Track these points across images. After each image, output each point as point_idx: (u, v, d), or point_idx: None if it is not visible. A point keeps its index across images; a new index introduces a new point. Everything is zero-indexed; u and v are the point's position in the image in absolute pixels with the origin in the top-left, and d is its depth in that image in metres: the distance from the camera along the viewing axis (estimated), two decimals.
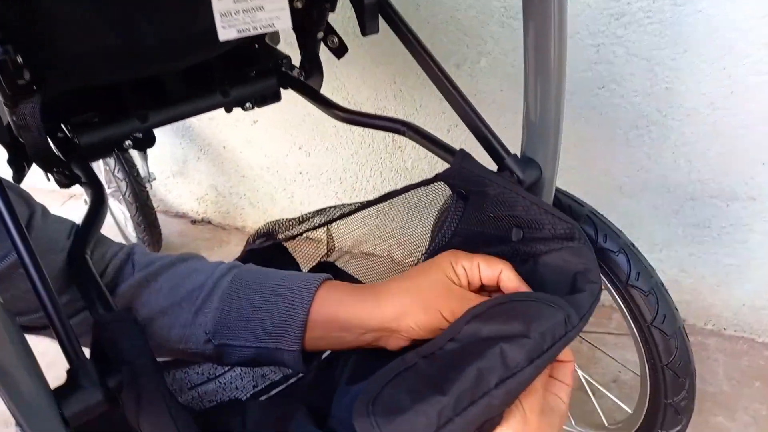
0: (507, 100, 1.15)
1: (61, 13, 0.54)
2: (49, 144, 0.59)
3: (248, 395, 0.71)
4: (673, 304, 0.73)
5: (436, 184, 0.69)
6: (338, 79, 1.29)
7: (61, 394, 0.41)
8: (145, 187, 1.42)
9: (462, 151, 0.65)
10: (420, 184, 0.69)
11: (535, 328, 0.44)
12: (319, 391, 0.62)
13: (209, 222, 1.77)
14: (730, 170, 1.05)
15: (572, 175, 1.19)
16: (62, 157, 0.68)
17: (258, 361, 0.50)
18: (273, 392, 0.71)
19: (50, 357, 0.47)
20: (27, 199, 0.49)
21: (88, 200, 0.62)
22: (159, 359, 0.67)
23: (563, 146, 1.15)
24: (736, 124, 1.01)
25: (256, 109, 1.22)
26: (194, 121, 1.57)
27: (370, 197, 1.46)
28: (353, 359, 0.57)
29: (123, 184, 1.37)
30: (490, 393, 0.42)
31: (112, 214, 1.67)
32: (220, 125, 1.53)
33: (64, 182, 0.64)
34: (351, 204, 0.74)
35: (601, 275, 0.75)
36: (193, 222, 1.78)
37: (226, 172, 1.62)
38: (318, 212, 0.75)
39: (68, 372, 0.42)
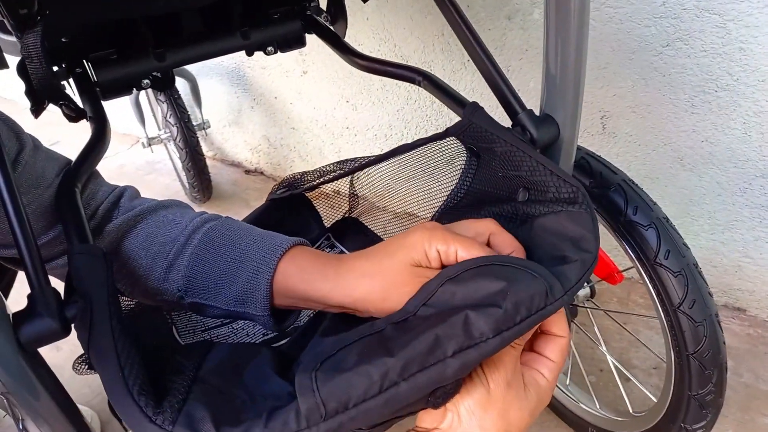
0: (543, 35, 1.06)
1: None
2: (52, 75, 0.60)
3: (257, 342, 0.72)
4: (706, 288, 0.65)
5: (448, 138, 0.65)
6: (386, 29, 1.24)
7: (18, 319, 0.41)
8: (196, 134, 1.44)
9: (473, 104, 0.60)
10: (431, 139, 0.65)
11: (510, 298, 0.40)
12: (304, 341, 0.62)
13: (262, 173, 1.80)
14: None
15: (628, 142, 1.10)
16: (78, 93, 0.69)
17: (231, 317, 0.50)
18: (281, 342, 0.71)
19: None
20: (18, 133, 0.49)
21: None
22: None
23: (620, 111, 1.06)
24: None
25: (306, 60, 1.21)
26: (248, 70, 1.57)
27: None
28: (334, 313, 0.56)
29: (174, 130, 1.40)
30: (444, 361, 0.39)
31: (171, 158, 1.72)
32: (272, 75, 1.52)
33: (72, 116, 0.65)
34: (368, 157, 0.71)
35: (629, 250, 0.68)
36: (247, 172, 1.81)
37: (278, 123, 1.63)
38: (338, 164, 0.74)
39: (28, 297, 0.42)
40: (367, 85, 1.36)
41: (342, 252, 0.80)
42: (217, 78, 1.66)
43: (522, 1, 1.04)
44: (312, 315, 0.69)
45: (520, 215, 0.54)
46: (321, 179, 0.75)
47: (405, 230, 0.49)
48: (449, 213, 0.66)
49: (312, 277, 0.46)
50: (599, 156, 0.73)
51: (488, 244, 0.47)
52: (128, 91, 0.74)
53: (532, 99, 1.10)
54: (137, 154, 1.94)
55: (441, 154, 0.67)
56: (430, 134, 1.36)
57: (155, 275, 0.49)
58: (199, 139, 1.53)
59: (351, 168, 0.74)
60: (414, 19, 1.18)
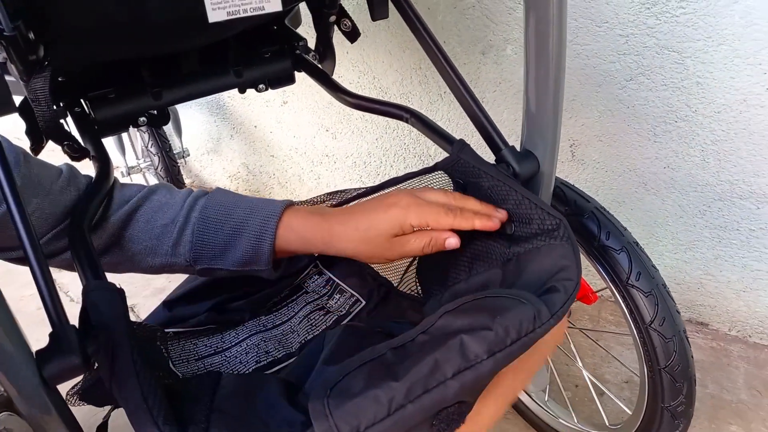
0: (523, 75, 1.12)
1: None
2: (57, 118, 0.62)
3: (250, 370, 0.74)
4: (674, 306, 0.71)
5: (436, 172, 0.69)
6: (365, 63, 1.29)
7: (41, 357, 0.43)
8: (177, 163, 1.46)
9: (460, 141, 0.65)
10: (421, 172, 0.70)
11: (500, 322, 0.44)
12: (305, 368, 0.64)
13: None
14: (762, 171, 1.01)
15: (596, 169, 1.16)
16: (77, 131, 0.71)
17: (239, 275, 0.58)
18: (274, 369, 0.74)
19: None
20: (7, 146, 0.51)
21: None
22: (171, 329, 0.71)
23: (587, 140, 1.13)
24: None
25: (286, 91, 1.25)
26: (228, 100, 1.60)
27: None
28: (334, 340, 0.59)
29: (155, 159, 1.42)
30: (445, 383, 0.43)
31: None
32: (252, 105, 1.56)
33: (74, 156, 0.67)
34: (358, 188, 0.75)
35: (603, 273, 0.74)
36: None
37: (257, 151, 1.65)
38: (329, 195, 0.77)
39: (50, 335, 0.45)
40: (347, 115, 1.41)
41: (330, 279, 0.83)
42: (196, 107, 1.68)
43: (495, 37, 1.10)
44: (304, 342, 0.72)
45: (507, 254, 0.58)
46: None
47: (386, 194, 0.59)
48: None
49: (307, 241, 0.56)
50: (573, 185, 0.79)
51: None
52: (125, 129, 0.77)
53: (506, 128, 1.17)
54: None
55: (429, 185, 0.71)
56: (407, 162, 1.42)
57: (162, 251, 0.56)
58: (179, 165, 1.54)
59: (341, 200, 0.77)
60: (392, 53, 1.24)
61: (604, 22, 0.99)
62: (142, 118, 0.77)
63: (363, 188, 0.75)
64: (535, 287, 0.53)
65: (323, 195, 0.78)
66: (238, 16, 0.50)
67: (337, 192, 0.77)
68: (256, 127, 1.60)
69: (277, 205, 0.56)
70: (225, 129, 1.67)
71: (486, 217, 0.55)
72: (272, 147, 1.62)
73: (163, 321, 0.72)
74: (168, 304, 0.74)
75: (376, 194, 0.69)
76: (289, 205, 0.58)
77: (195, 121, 1.71)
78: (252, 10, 0.51)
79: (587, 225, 0.74)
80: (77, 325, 0.46)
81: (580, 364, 0.93)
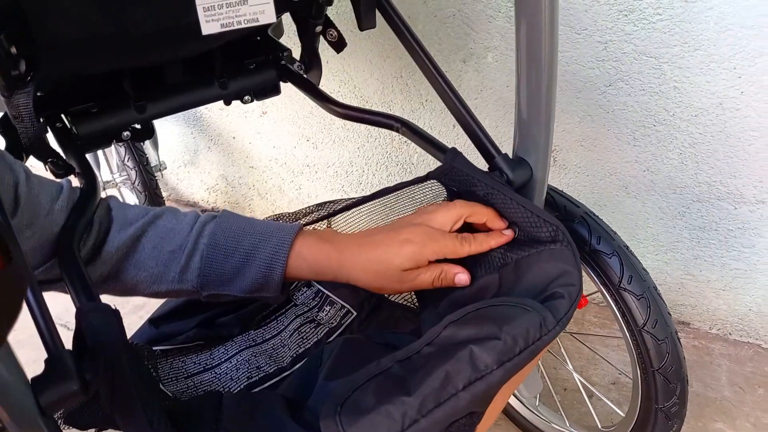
0: (513, 98, 1.14)
1: (53, 1, 0.54)
2: (41, 134, 0.60)
3: (242, 386, 0.73)
4: (665, 308, 0.72)
5: (429, 182, 0.69)
6: (346, 72, 1.29)
7: (38, 384, 0.42)
8: (155, 176, 1.43)
9: (453, 149, 0.65)
10: (413, 182, 0.69)
11: (507, 331, 0.44)
12: (303, 383, 0.63)
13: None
14: (739, 172, 1.03)
15: (578, 173, 1.18)
16: (59, 147, 0.69)
17: (244, 303, 0.59)
18: (266, 384, 0.72)
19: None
20: (11, 164, 0.49)
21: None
22: (159, 347, 0.69)
23: (569, 145, 1.14)
24: (746, 125, 0.99)
25: (266, 101, 1.23)
26: (205, 111, 1.58)
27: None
28: (334, 354, 0.58)
29: (133, 173, 1.39)
30: (456, 395, 0.42)
31: (123, 201, 1.69)
32: (230, 116, 1.54)
33: (59, 172, 0.65)
34: (349, 198, 0.74)
35: (594, 277, 0.74)
36: (204, 212, 1.79)
37: (236, 162, 1.64)
38: (318, 206, 0.76)
39: (46, 362, 0.43)
40: (328, 125, 1.40)
41: (319, 291, 0.82)
42: (172, 119, 1.65)
43: (476, 45, 1.11)
44: (296, 356, 0.71)
45: (504, 259, 0.58)
46: (304, 221, 0.78)
47: (397, 227, 0.57)
48: None
49: (318, 270, 0.55)
50: (561, 191, 0.79)
51: (466, 223, 0.57)
52: (108, 143, 0.75)
53: (489, 132, 1.17)
54: None
55: (422, 195, 0.71)
56: (389, 170, 1.42)
57: (169, 278, 0.54)
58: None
59: (331, 210, 0.76)
60: (373, 62, 1.24)
61: (583, 29, 1.01)
62: (126, 133, 0.76)
63: (353, 198, 0.74)
64: (535, 293, 0.54)
65: (312, 206, 0.77)
66: (232, 28, 0.49)
67: (326, 203, 0.76)
68: (234, 138, 1.58)
69: (288, 231, 0.55)
70: (202, 141, 1.65)
71: (498, 234, 0.56)
72: (251, 158, 1.60)
73: (150, 339, 0.70)
74: (154, 321, 0.72)
75: (386, 222, 0.68)
76: (299, 230, 0.56)
77: (171, 133, 1.68)
78: (246, 21, 0.50)
79: (578, 230, 0.74)
80: (72, 350, 0.45)
81: (570, 367, 0.94)
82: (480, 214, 0.57)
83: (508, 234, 0.57)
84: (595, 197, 1.19)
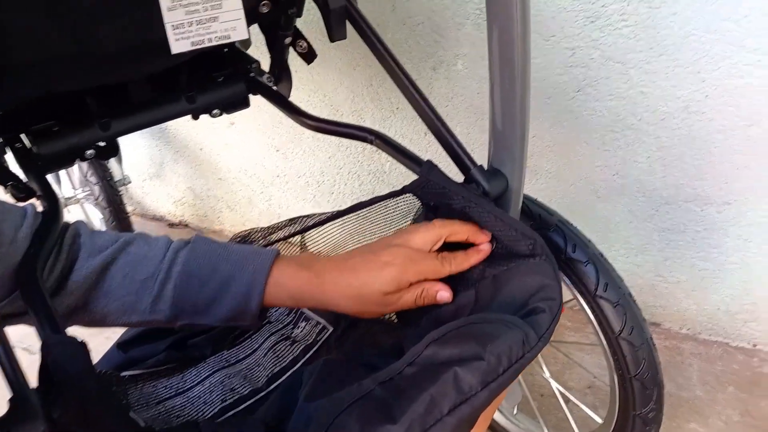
0: (484, 104, 1.14)
1: (12, 20, 0.52)
2: (0, 156, 0.58)
3: (216, 410, 0.70)
4: (641, 315, 0.73)
5: (405, 195, 0.68)
6: (315, 82, 1.28)
7: (2, 425, 0.39)
8: (119, 191, 1.39)
9: (429, 162, 0.64)
10: (388, 196, 0.68)
11: (491, 350, 0.43)
12: (282, 407, 0.62)
13: (187, 225, 1.75)
14: (705, 175, 1.05)
15: (549, 179, 1.19)
16: (20, 169, 0.66)
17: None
18: (241, 407, 0.71)
19: None
20: None
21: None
22: (127, 372, 0.66)
23: (540, 150, 1.15)
24: (711, 128, 1.01)
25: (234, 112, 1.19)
26: (171, 123, 1.54)
27: (349, 201, 1.46)
28: (314, 376, 0.57)
29: (96, 188, 1.35)
30: (442, 420, 0.42)
31: (87, 217, 1.64)
32: (197, 127, 1.51)
33: (20, 196, 0.62)
34: (322, 213, 0.73)
35: (571, 285, 0.75)
36: (171, 225, 1.76)
37: (204, 174, 1.60)
38: (291, 221, 0.75)
39: (11, 401, 0.41)
40: (298, 134, 1.38)
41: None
42: (135, 132, 1.61)
43: (445, 53, 1.11)
44: (271, 375, 0.69)
45: (482, 274, 0.58)
46: (277, 236, 0.76)
47: (376, 249, 0.56)
48: None
49: (297, 298, 0.53)
50: (535, 199, 0.79)
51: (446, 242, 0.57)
52: (71, 163, 0.72)
53: (461, 140, 1.17)
54: None
55: (395, 210, 0.70)
56: (362, 179, 1.41)
57: (140, 309, 0.52)
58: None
59: (305, 225, 0.75)
60: (342, 71, 1.23)
61: (551, 35, 1.02)
62: (90, 151, 0.73)
63: (327, 213, 0.73)
64: (515, 307, 0.53)
65: (285, 221, 0.75)
66: (203, 46, 0.48)
67: (299, 218, 0.75)
68: (201, 150, 1.55)
69: (265, 258, 0.53)
70: (168, 153, 1.61)
71: (476, 251, 0.56)
72: (220, 169, 1.57)
73: (118, 364, 0.68)
74: (122, 345, 0.69)
75: (365, 244, 0.66)
76: (277, 256, 0.54)
77: (135, 145, 1.64)
78: (217, 39, 0.48)
79: (553, 239, 0.74)
80: (38, 386, 0.43)
81: (548, 374, 0.94)
82: (460, 232, 0.57)
83: (486, 249, 0.57)
84: (566, 202, 1.20)
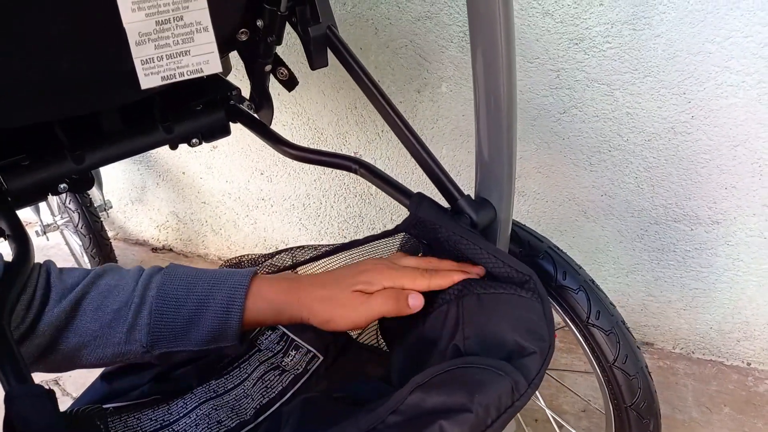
0: (469, 126, 1.13)
1: None
2: None
3: None
4: (635, 342, 0.71)
5: (400, 235, 0.66)
6: (299, 104, 1.26)
7: None
8: (99, 218, 1.36)
9: (418, 195, 0.62)
10: (382, 236, 0.66)
11: (479, 401, 0.41)
12: None
13: (171, 250, 1.72)
14: (693, 194, 1.05)
15: (536, 200, 1.18)
16: None
17: (198, 357, 0.54)
18: None
19: None
20: None
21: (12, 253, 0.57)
22: (112, 404, 0.64)
23: (527, 172, 1.14)
24: (698, 149, 1.00)
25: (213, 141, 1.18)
26: None
27: (336, 224, 1.44)
28: (294, 419, 0.54)
29: (75, 216, 1.31)
30: None
31: (67, 244, 1.60)
32: (179, 151, 1.47)
33: None
34: (316, 246, 0.71)
35: (562, 313, 0.73)
36: (154, 250, 1.72)
37: (187, 198, 1.57)
38: (284, 251, 0.73)
39: None
40: (282, 157, 1.36)
41: (284, 335, 0.78)
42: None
43: (430, 75, 1.10)
44: (259, 407, 0.67)
45: (466, 288, 0.56)
46: (268, 264, 0.74)
47: (354, 264, 0.56)
48: None
49: (278, 308, 0.52)
50: (524, 225, 0.78)
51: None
52: (43, 198, 0.69)
53: (446, 164, 1.16)
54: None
55: (390, 249, 0.68)
56: (348, 201, 1.39)
57: (114, 341, 0.49)
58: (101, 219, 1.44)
59: (296, 261, 0.73)
60: (326, 93, 1.21)
61: (535, 57, 1.01)
62: (63, 185, 0.70)
63: (322, 247, 0.71)
64: (503, 343, 0.51)
65: (275, 252, 0.74)
66: (174, 80, 0.46)
67: (292, 248, 0.73)
68: (184, 174, 1.53)
69: (244, 273, 0.52)
70: (150, 177, 1.58)
71: (463, 273, 0.54)
72: (203, 193, 1.54)
73: (102, 396, 0.65)
74: (106, 376, 0.66)
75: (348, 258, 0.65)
76: (255, 273, 0.53)
77: (116, 169, 1.61)
78: (189, 73, 0.46)
79: (543, 265, 0.73)
80: None
81: (542, 402, 0.92)
82: (448, 265, 0.55)
83: (474, 272, 0.55)
84: (555, 223, 1.19)
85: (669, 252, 1.12)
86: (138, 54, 0.44)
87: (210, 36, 0.47)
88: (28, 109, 0.59)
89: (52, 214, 1.46)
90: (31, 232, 1.67)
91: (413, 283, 0.53)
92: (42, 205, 1.44)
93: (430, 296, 0.56)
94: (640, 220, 1.11)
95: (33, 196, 0.68)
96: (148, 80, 0.45)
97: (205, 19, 0.46)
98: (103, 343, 0.50)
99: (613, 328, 0.70)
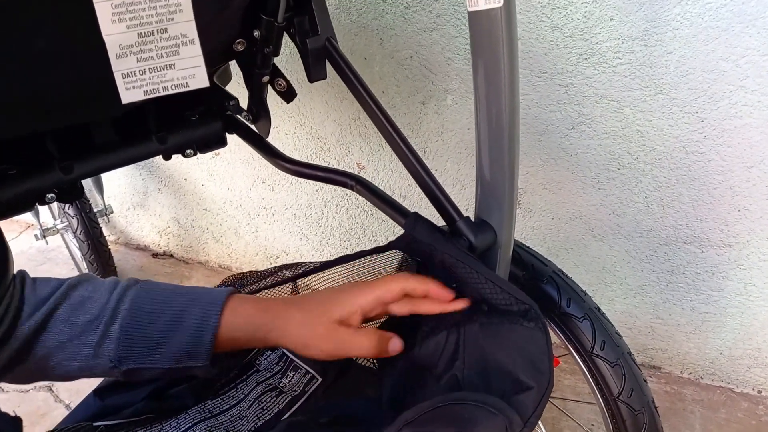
0: (474, 140, 1.10)
1: None
2: None
3: None
4: (641, 375, 0.68)
5: (392, 251, 0.64)
6: (301, 113, 1.24)
7: None
8: (98, 224, 1.34)
9: (414, 215, 0.60)
10: (373, 251, 0.64)
11: None
12: None
13: (171, 256, 1.70)
14: (705, 216, 1.01)
15: (542, 216, 1.14)
16: None
17: (168, 376, 0.51)
18: None
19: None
20: None
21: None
22: (103, 422, 0.62)
23: (533, 188, 1.11)
24: (710, 169, 0.97)
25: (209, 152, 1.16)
26: None
27: (337, 234, 1.41)
28: None
29: (74, 221, 1.30)
30: None
31: (68, 247, 1.59)
32: (181, 157, 1.46)
33: None
34: (311, 263, 0.69)
35: (565, 341, 0.70)
36: (155, 255, 1.70)
37: (188, 205, 1.56)
38: (283, 267, 0.71)
39: None
40: None
41: (284, 355, 0.76)
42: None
43: (435, 87, 1.08)
44: (254, 430, 0.64)
45: (468, 317, 0.53)
46: (261, 284, 0.72)
47: (337, 288, 0.54)
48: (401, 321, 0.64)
49: (255, 326, 0.49)
50: (528, 247, 0.75)
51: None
52: (29, 209, 0.67)
53: (450, 178, 1.14)
54: (27, 242, 1.78)
55: (382, 265, 0.66)
56: (350, 212, 1.36)
57: (82, 355, 0.48)
58: (101, 223, 1.42)
59: (295, 274, 0.71)
60: (329, 103, 1.19)
61: (543, 72, 0.98)
62: (51, 195, 0.68)
63: (316, 263, 0.69)
64: (500, 376, 0.48)
65: (273, 268, 0.72)
66: (157, 95, 0.43)
67: (288, 265, 0.71)
68: (186, 180, 1.51)
69: (221, 291, 0.50)
70: (152, 182, 1.56)
71: (453, 303, 0.52)
72: (205, 200, 1.52)
73: (94, 413, 0.63)
74: (100, 392, 0.64)
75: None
76: (234, 292, 0.52)
77: (118, 174, 1.59)
78: (174, 87, 0.44)
79: (547, 291, 0.70)
80: None
81: (543, 430, 0.89)
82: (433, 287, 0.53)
83: (459, 304, 0.52)
84: (560, 240, 1.15)
85: (678, 274, 1.09)
86: (118, 67, 0.42)
87: (196, 49, 0.44)
88: (14, 122, 0.57)
89: (53, 217, 1.45)
90: (30, 235, 1.65)
91: (393, 299, 0.51)
92: (43, 208, 1.43)
93: (428, 320, 0.54)
94: (649, 240, 1.08)
95: (17, 206, 0.66)
96: (129, 94, 0.43)
97: (191, 32, 0.43)
98: (70, 356, 0.48)
99: (619, 359, 0.66)
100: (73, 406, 1.24)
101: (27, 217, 1.45)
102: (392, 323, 0.62)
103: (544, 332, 0.49)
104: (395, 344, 0.51)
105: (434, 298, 0.52)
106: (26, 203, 0.66)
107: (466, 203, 1.13)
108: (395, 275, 0.55)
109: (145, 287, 0.50)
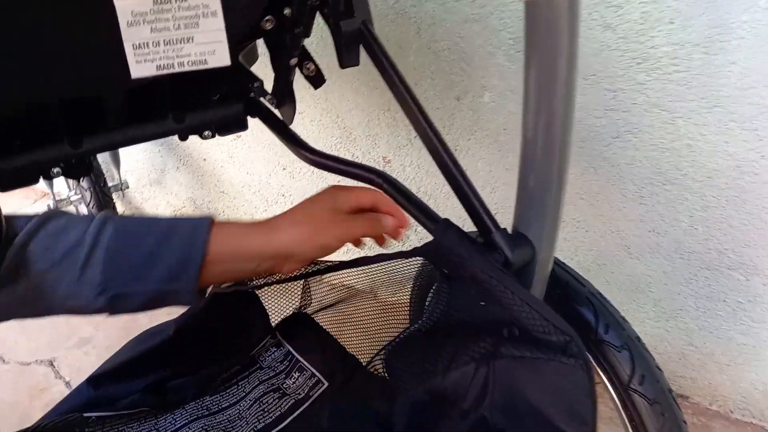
0: (510, 142, 1.04)
1: None
2: None
3: None
4: (681, 416, 0.61)
5: (415, 258, 0.59)
6: (329, 100, 1.18)
7: None
8: (112, 199, 1.31)
9: (445, 222, 0.54)
10: (395, 256, 0.59)
11: None
12: None
13: None
14: (754, 242, 0.94)
15: (576, 228, 1.08)
16: None
17: (151, 306, 0.48)
18: None
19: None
20: None
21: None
22: (95, 413, 0.58)
23: (568, 197, 1.04)
24: (765, 192, 0.89)
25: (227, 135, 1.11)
26: None
27: None
28: None
29: (87, 194, 1.26)
30: None
31: None
32: None
33: None
34: (327, 262, 0.65)
35: (600, 371, 0.64)
36: None
37: (206, 185, 1.51)
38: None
39: None
40: None
41: (289, 352, 0.72)
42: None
43: (472, 83, 1.01)
44: None
45: (498, 351, 0.48)
46: (270, 279, 0.68)
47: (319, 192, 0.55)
48: (421, 339, 0.59)
49: (245, 234, 0.49)
50: (564, 263, 0.69)
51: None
52: (33, 182, 0.63)
53: (480, 179, 1.07)
54: (41, 210, 1.76)
55: (402, 271, 0.60)
56: None
57: (66, 279, 0.45)
58: (116, 198, 1.39)
59: (305, 271, 0.66)
60: (359, 91, 1.13)
61: (591, 74, 0.92)
62: (56, 169, 0.64)
63: (333, 262, 0.64)
64: (538, 420, 0.43)
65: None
66: (172, 71, 0.38)
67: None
68: (205, 161, 1.47)
69: (206, 217, 0.49)
70: (171, 160, 1.52)
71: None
72: (222, 182, 1.48)
73: (86, 402, 0.60)
74: (94, 380, 0.61)
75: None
76: (215, 219, 0.50)
77: (136, 149, 1.56)
78: (191, 63, 0.39)
79: (583, 314, 0.64)
80: None
81: None
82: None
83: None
84: (593, 255, 1.09)
85: (718, 301, 1.02)
86: (129, 36, 0.37)
87: (219, 22, 0.39)
88: (20, 90, 0.52)
89: (69, 188, 1.42)
90: (43, 204, 1.63)
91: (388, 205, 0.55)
92: (59, 179, 1.40)
93: (452, 352, 0.48)
94: (689, 263, 1.01)
95: (21, 179, 0.62)
96: (140, 68, 0.38)
97: (214, 2, 0.38)
98: (53, 280, 0.45)
99: (658, 398, 0.60)
100: (74, 383, 1.21)
101: (42, 185, 1.42)
102: (413, 348, 0.57)
103: (586, 371, 0.43)
104: (387, 219, 0.55)
105: (397, 219, 0.55)
106: (31, 177, 0.62)
107: (495, 207, 1.07)
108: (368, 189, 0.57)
109: (125, 216, 0.49)
